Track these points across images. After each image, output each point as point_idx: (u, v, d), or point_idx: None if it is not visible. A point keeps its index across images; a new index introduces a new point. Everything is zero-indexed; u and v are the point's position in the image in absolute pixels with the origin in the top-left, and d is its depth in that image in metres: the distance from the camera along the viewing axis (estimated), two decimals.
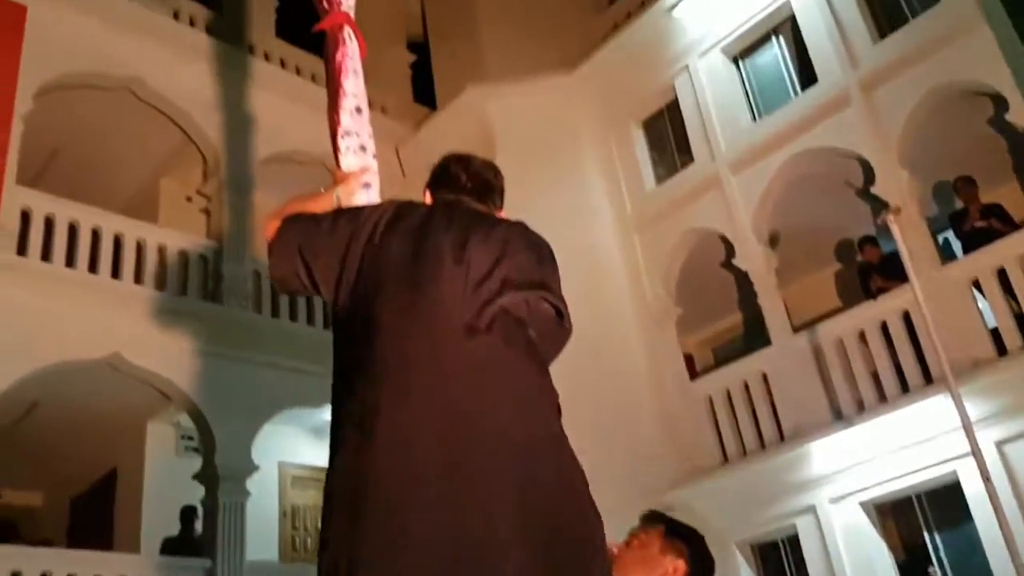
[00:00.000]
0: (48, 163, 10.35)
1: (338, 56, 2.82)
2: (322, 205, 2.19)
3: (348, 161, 2.62)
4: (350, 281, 1.90)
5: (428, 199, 2.19)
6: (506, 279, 1.82)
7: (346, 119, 2.72)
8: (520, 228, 2.03)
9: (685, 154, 10.48)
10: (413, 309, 1.78)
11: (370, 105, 2.81)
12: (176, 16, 10.62)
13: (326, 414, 1.92)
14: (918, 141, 8.53)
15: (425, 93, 13.10)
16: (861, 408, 8.32)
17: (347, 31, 2.87)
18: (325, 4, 2.91)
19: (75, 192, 9.39)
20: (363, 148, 2.72)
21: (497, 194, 2.20)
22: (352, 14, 2.95)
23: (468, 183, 2.15)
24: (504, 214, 2.20)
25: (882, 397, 8.21)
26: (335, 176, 2.50)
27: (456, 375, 1.69)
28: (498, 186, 2.21)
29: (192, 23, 10.76)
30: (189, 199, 10.93)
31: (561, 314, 1.91)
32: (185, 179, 10.91)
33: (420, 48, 13.62)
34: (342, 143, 2.67)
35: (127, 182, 11.05)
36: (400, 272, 1.84)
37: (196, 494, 8.81)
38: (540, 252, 1.98)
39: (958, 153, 8.83)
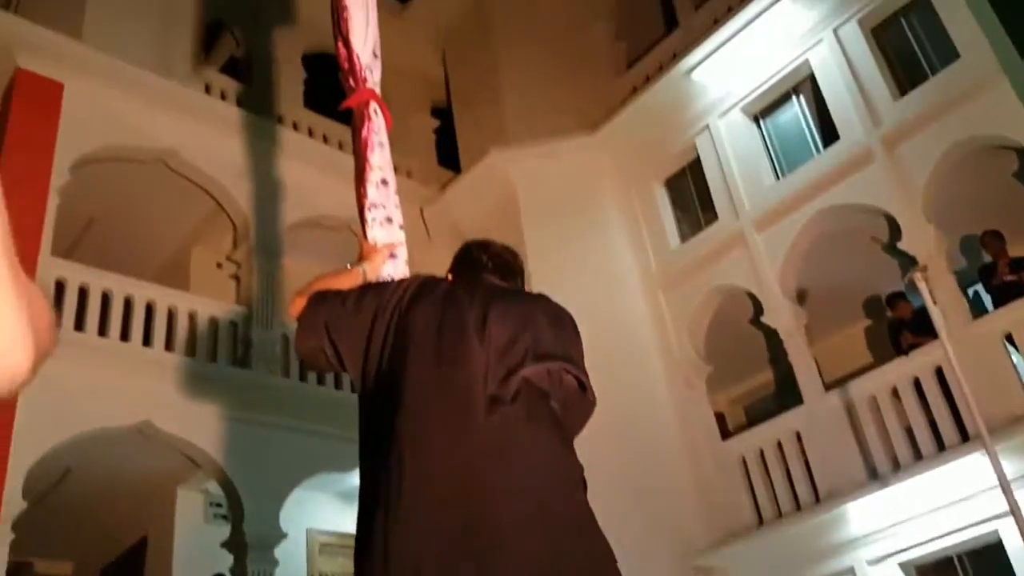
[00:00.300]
0: (83, 233, 10.60)
1: (364, 131, 2.91)
2: (349, 281, 2.23)
3: (375, 233, 2.68)
4: (375, 357, 1.93)
5: (450, 280, 2.23)
6: (527, 350, 1.84)
7: (372, 192, 2.80)
8: (541, 300, 2.06)
9: (709, 212, 10.52)
10: (437, 384, 1.80)
11: (396, 169, 2.88)
12: (208, 90, 10.96)
13: (354, 479, 1.94)
14: (943, 196, 8.52)
15: (449, 157, 13.31)
16: (897, 467, 8.16)
17: (373, 107, 2.96)
18: (352, 82, 3.01)
19: (109, 260, 9.59)
20: (389, 220, 2.78)
21: (518, 275, 2.24)
22: (378, 90, 3.05)
23: (490, 263, 2.20)
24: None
25: (918, 455, 8.05)
26: (362, 248, 2.55)
27: (479, 453, 1.70)
28: (518, 267, 2.25)
29: (223, 96, 11.10)
30: (219, 266, 11.12)
31: (584, 386, 1.90)
32: (215, 246, 11.11)
33: (444, 114, 13.90)
34: (369, 215, 2.74)
35: (159, 250, 11.28)
36: (424, 347, 1.87)
37: (225, 562, 8.76)
38: (561, 323, 1.99)
39: (984, 207, 8.80)
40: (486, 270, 2.17)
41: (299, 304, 2.07)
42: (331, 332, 1.99)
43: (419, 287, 2.03)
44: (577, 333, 2.00)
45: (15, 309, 0.52)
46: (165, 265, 11.31)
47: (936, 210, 8.47)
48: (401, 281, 2.15)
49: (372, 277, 2.40)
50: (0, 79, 9.06)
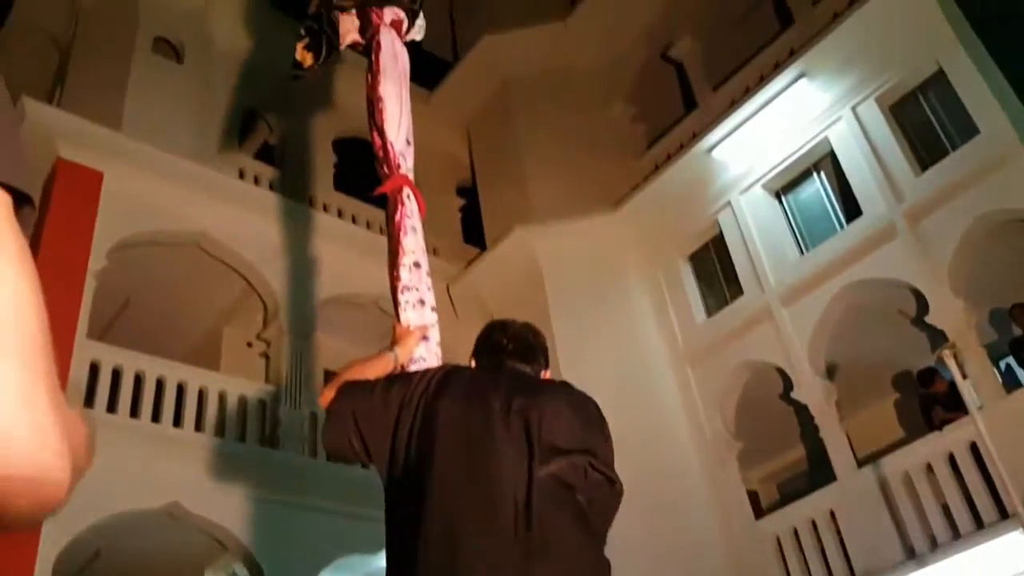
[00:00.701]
0: (118, 314, 10.81)
1: (397, 216, 3.01)
2: (381, 367, 2.27)
3: (407, 316, 2.75)
4: (402, 449, 1.94)
5: (474, 366, 2.25)
6: (552, 445, 1.83)
7: (405, 275, 2.87)
8: (564, 389, 2.05)
9: (734, 286, 10.54)
10: (463, 478, 1.81)
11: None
12: (241, 175, 11.31)
13: (381, 561, 1.94)
14: (970, 269, 8.50)
15: (475, 235, 13.53)
16: (935, 545, 7.95)
17: (406, 192, 3.07)
18: (386, 169, 3.13)
19: (142, 340, 9.76)
20: (422, 302, 2.85)
21: (540, 353, 2.24)
22: (411, 176, 3.16)
23: (510, 345, 2.20)
24: (548, 374, 2.25)
25: (956, 533, 7.86)
26: (395, 332, 2.61)
27: (505, 546, 1.70)
28: (539, 346, 2.25)
29: (256, 181, 11.44)
30: (249, 344, 11.28)
31: (611, 479, 1.88)
32: (246, 326, 11.28)
33: (469, 193, 14.17)
34: (401, 298, 2.81)
35: (192, 330, 11.46)
36: (451, 440, 1.88)
37: None
38: (586, 413, 1.97)
39: (1012, 279, 8.76)
40: (506, 353, 2.18)
41: (328, 396, 2.10)
42: (359, 424, 2.01)
43: (444, 376, 2.04)
44: (602, 422, 1.98)
45: (53, 431, 0.54)
46: (197, 344, 11.48)
47: (963, 284, 8.44)
48: (427, 371, 2.18)
49: (404, 360, 2.45)
50: (41, 168, 9.39)
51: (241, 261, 10.52)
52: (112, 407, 8.62)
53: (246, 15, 12.58)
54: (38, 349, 0.55)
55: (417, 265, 2.93)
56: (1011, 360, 9.00)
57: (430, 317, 2.78)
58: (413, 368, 2.48)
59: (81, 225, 9.11)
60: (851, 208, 9.63)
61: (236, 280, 10.74)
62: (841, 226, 9.75)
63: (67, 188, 9.23)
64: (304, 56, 3.61)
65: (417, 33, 3.66)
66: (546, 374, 2.23)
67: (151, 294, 10.86)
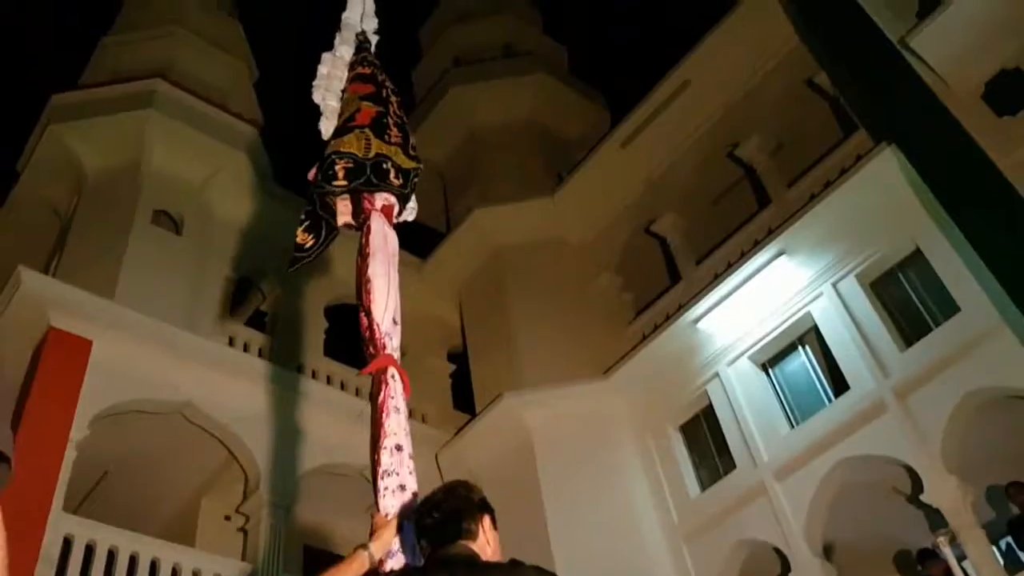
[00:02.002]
0: (97, 484, 10.52)
1: (381, 397, 2.99)
2: (356, 569, 2.20)
3: (386, 503, 2.67)
4: None
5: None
6: None
7: (386, 458, 2.82)
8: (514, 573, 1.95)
9: (726, 458, 10.37)
10: None
11: (411, 414, 2.94)
12: (231, 342, 11.32)
13: None
14: (962, 446, 8.37)
15: (465, 400, 13.47)
16: None
17: (391, 372, 3.06)
18: (371, 350, 3.14)
19: (119, 512, 9.45)
20: (402, 487, 2.78)
21: (465, 515, 2.17)
22: (397, 355, 3.17)
23: (434, 528, 2.16)
24: (487, 522, 2.18)
25: None
26: (374, 521, 2.53)
27: None
28: (456, 513, 2.17)
29: (246, 348, 11.44)
30: (227, 518, 10.93)
31: None
32: (225, 498, 10.96)
33: (460, 358, 14.22)
34: (382, 484, 2.74)
35: (170, 501, 11.13)
36: None
37: None
38: None
39: (1006, 456, 8.62)
40: (436, 538, 2.14)
41: None
42: None
43: None
44: None
45: None
46: (174, 516, 11.12)
47: (957, 461, 8.28)
48: None
49: (380, 554, 2.36)
50: (33, 336, 9.42)
51: (224, 430, 10.37)
52: None
53: (246, 188, 13.02)
54: None
55: (399, 448, 2.88)
56: (1010, 540, 8.74)
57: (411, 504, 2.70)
58: (390, 562, 2.39)
59: (66, 394, 9.04)
60: (838, 382, 9.62)
61: (218, 450, 10.54)
62: (829, 400, 9.71)
63: (55, 357, 9.21)
64: (305, 239, 3.72)
65: (409, 215, 3.77)
66: (483, 524, 2.15)
67: (130, 463, 10.63)
